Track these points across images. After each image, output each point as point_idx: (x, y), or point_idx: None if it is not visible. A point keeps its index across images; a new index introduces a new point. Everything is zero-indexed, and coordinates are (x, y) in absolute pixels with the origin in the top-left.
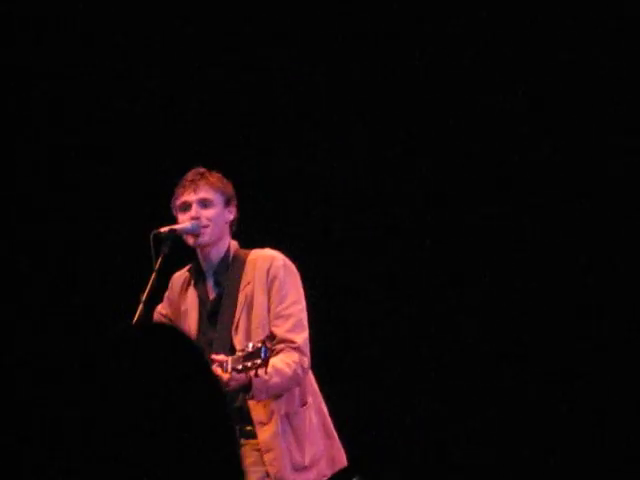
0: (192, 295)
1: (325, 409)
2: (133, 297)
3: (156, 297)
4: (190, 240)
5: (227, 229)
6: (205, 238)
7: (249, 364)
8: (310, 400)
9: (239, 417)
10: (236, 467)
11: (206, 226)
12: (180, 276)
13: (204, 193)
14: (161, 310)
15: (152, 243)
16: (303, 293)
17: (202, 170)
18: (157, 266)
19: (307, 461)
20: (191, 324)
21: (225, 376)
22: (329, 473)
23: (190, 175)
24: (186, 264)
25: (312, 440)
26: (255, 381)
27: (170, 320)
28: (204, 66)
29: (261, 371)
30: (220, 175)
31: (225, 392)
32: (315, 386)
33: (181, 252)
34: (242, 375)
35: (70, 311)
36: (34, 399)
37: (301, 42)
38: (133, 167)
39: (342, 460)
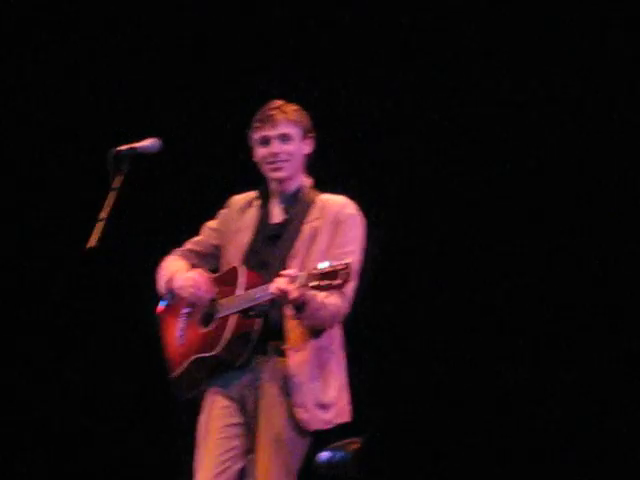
0: (252, 216)
1: (344, 363)
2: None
3: (114, 217)
4: (270, 175)
5: (303, 162)
6: (284, 173)
7: (325, 282)
8: (338, 347)
9: (276, 334)
10: None
11: (286, 160)
12: (241, 198)
13: (283, 128)
14: (213, 225)
15: (111, 161)
16: (363, 246)
17: (279, 103)
18: (115, 185)
19: (327, 400)
20: (242, 241)
21: (295, 291)
22: (336, 422)
23: (268, 109)
24: (149, 183)
25: (333, 383)
26: (311, 303)
27: (220, 236)
28: None
29: (335, 291)
30: (298, 107)
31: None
32: (342, 338)
33: (144, 171)
34: (310, 292)
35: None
36: None
37: None
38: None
39: (348, 414)
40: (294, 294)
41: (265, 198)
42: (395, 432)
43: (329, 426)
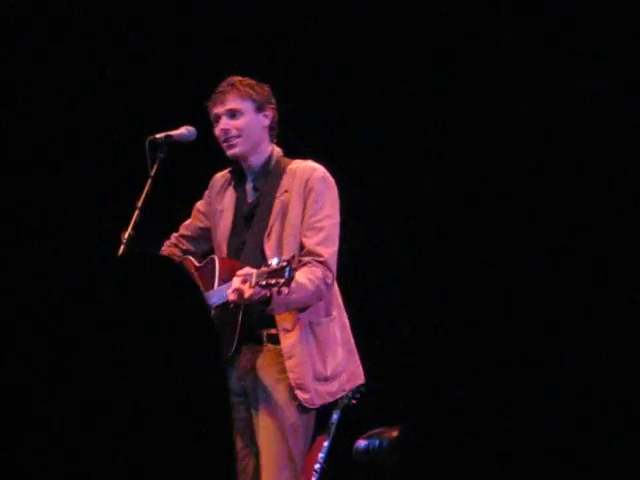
0: (230, 196)
1: (348, 324)
2: (130, 203)
3: (151, 204)
4: (226, 153)
5: (266, 134)
6: (237, 149)
7: (272, 281)
8: (335, 313)
9: (265, 322)
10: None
11: (237, 136)
12: (221, 177)
13: (232, 103)
14: (199, 207)
15: (147, 149)
16: (338, 209)
17: (233, 79)
18: (153, 172)
19: (329, 372)
20: (225, 225)
21: (248, 290)
22: (348, 387)
23: (220, 86)
24: (184, 170)
25: (334, 353)
26: (276, 297)
27: (206, 217)
28: None
29: (283, 289)
30: (252, 81)
31: (243, 304)
32: (340, 301)
33: (179, 158)
34: (264, 290)
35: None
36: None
37: None
38: (136, 79)
39: (361, 376)
40: (247, 294)
41: (239, 176)
42: (433, 420)
43: (340, 395)
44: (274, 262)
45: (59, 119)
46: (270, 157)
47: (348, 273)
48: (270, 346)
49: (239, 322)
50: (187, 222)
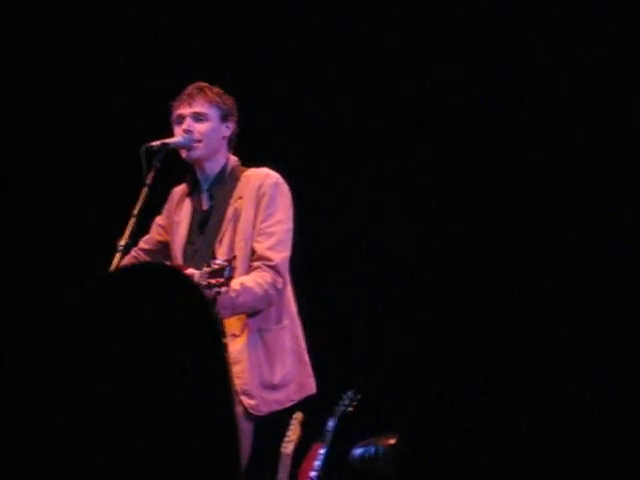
0: (187, 206)
1: (301, 334)
2: (125, 211)
3: (148, 211)
4: (183, 154)
5: (224, 144)
6: (197, 152)
7: (213, 281)
8: (286, 322)
9: None
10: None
11: (199, 140)
12: (180, 189)
13: (199, 107)
14: (159, 221)
15: (143, 157)
16: (292, 215)
17: (202, 85)
18: (148, 180)
19: (276, 380)
20: (181, 233)
21: None
22: (297, 398)
23: (188, 89)
24: (182, 178)
25: (283, 361)
26: (220, 298)
27: (165, 231)
28: None
29: (223, 289)
30: (220, 90)
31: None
32: (293, 309)
33: (175, 166)
34: (207, 291)
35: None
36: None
37: None
38: (127, 85)
39: (312, 387)
40: None
41: (194, 185)
42: (430, 428)
43: (287, 404)
44: (215, 263)
45: (55, 126)
46: (225, 165)
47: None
48: None
49: None
50: (147, 236)
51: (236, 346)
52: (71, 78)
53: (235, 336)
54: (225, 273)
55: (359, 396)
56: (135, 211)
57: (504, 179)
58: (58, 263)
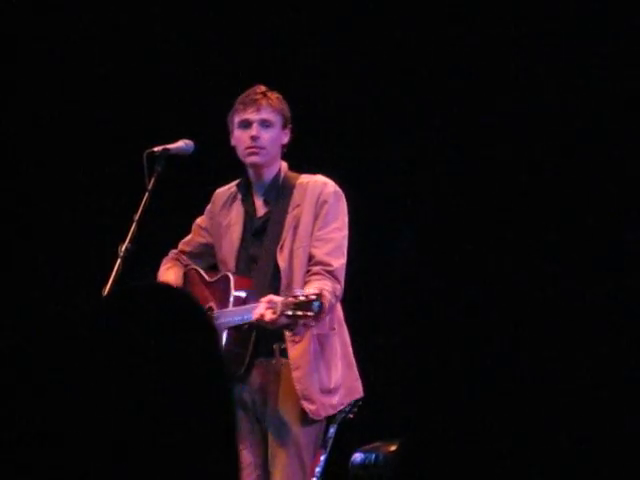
0: (238, 210)
1: (348, 338)
2: (127, 217)
3: (149, 216)
4: (246, 159)
5: (280, 151)
6: (261, 158)
7: (299, 313)
8: (336, 327)
9: (276, 336)
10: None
11: (264, 147)
12: (225, 191)
13: (266, 114)
14: (200, 223)
15: (145, 162)
16: (347, 222)
17: (264, 89)
18: (150, 185)
19: (332, 384)
20: (234, 238)
21: (271, 316)
22: (347, 401)
23: (252, 93)
24: (184, 183)
25: (336, 365)
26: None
27: (209, 233)
28: None
29: (310, 323)
30: (280, 95)
31: (269, 328)
32: (341, 315)
33: (175, 172)
34: (289, 320)
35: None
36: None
37: None
38: (129, 89)
39: (359, 390)
40: (270, 320)
41: (246, 190)
42: (432, 435)
43: (339, 408)
44: (299, 292)
45: (56, 130)
46: (279, 172)
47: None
48: (282, 360)
49: (252, 340)
50: (187, 238)
51: (296, 351)
52: (74, 81)
53: (295, 342)
54: (314, 307)
55: (360, 402)
56: (136, 216)
57: (503, 178)
58: (60, 270)
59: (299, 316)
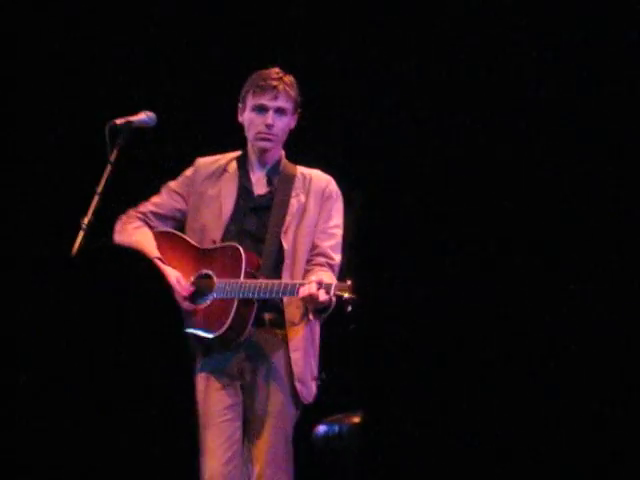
0: (231, 183)
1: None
2: (89, 190)
3: (112, 189)
4: (256, 143)
5: (287, 135)
6: (271, 145)
7: (346, 295)
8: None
9: (273, 306)
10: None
11: (276, 135)
12: (211, 162)
13: (282, 101)
14: (175, 188)
15: (108, 135)
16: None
17: (281, 74)
18: (112, 158)
19: (316, 372)
20: (225, 210)
21: (326, 297)
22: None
23: (269, 77)
24: (145, 156)
25: (317, 354)
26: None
27: (183, 199)
28: None
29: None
30: (293, 78)
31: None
32: None
33: (138, 144)
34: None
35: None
36: None
37: None
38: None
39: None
40: (326, 301)
41: (246, 165)
42: (395, 407)
43: (311, 400)
44: (348, 284)
45: (17, 105)
46: (281, 157)
47: None
48: (277, 332)
49: (254, 311)
50: (157, 200)
51: (295, 334)
52: (34, 53)
53: (294, 324)
54: (348, 299)
55: (324, 376)
56: (99, 189)
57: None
58: (22, 242)
59: (346, 299)
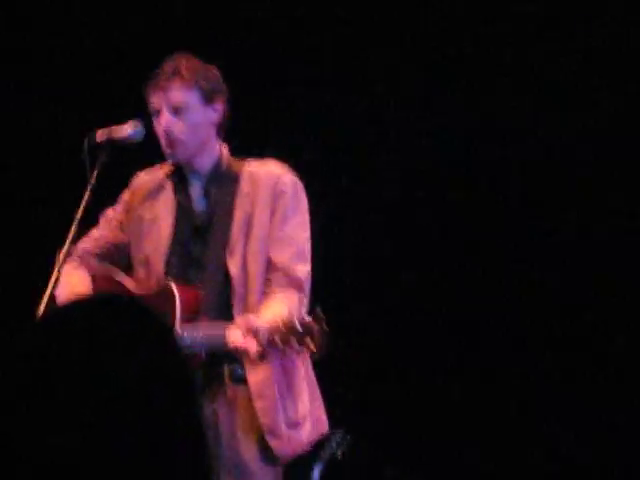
0: (168, 202)
1: (311, 365)
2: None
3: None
4: (166, 154)
5: (213, 131)
6: (179, 154)
7: (296, 338)
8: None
9: (229, 357)
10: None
11: (179, 140)
12: (149, 179)
13: (175, 97)
14: (115, 215)
15: (87, 152)
16: (309, 220)
17: (177, 63)
18: (93, 179)
19: (299, 417)
20: (162, 235)
21: (257, 347)
22: (314, 438)
23: (161, 70)
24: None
25: (301, 392)
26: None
27: (123, 229)
28: None
29: (311, 347)
30: (198, 63)
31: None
32: None
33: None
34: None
35: None
36: None
37: None
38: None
39: (325, 424)
40: (255, 351)
41: (180, 179)
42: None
43: (306, 447)
44: (292, 318)
45: None
46: (220, 158)
47: None
48: (237, 387)
49: (199, 365)
50: (95, 234)
51: (258, 377)
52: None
53: (255, 368)
54: (317, 331)
55: (349, 436)
56: (78, 215)
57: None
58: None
59: (302, 342)
